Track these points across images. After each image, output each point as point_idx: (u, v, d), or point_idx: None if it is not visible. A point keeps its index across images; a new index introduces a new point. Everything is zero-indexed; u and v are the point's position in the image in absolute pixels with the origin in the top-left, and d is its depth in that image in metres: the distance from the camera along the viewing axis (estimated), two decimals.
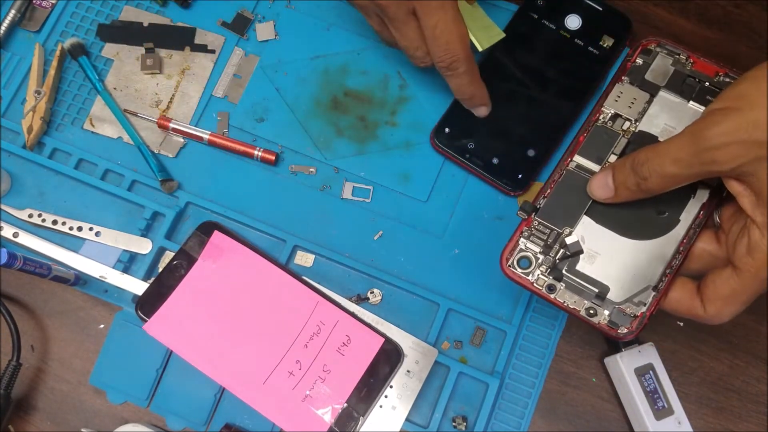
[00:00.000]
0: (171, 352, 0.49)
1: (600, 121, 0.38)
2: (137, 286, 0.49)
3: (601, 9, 0.54)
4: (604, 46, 0.53)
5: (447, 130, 0.52)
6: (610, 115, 0.38)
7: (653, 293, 0.36)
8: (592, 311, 0.36)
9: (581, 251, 0.37)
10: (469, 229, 0.52)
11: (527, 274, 0.37)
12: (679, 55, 0.39)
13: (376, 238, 0.52)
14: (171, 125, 0.53)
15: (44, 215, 0.51)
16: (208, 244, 0.49)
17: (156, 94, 0.55)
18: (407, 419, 0.48)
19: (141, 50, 0.55)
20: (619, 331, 0.36)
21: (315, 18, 0.56)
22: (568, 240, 0.36)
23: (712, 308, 0.36)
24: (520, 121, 0.52)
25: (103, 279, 0.49)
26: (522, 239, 0.37)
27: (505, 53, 0.53)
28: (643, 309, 0.36)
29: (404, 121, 0.54)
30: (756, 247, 0.34)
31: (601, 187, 0.38)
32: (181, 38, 0.55)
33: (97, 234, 0.51)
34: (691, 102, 0.38)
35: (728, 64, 0.39)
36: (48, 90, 0.53)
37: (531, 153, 0.52)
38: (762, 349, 0.50)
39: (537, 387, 0.49)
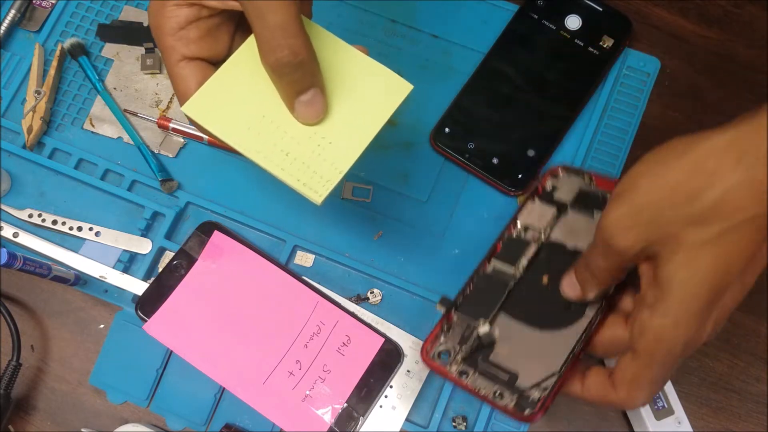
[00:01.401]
0: (171, 352, 0.49)
1: (514, 234, 0.42)
2: (137, 286, 0.49)
3: (601, 9, 0.54)
4: (604, 46, 0.53)
5: (447, 130, 0.52)
6: (523, 227, 0.42)
7: (556, 378, 0.39)
8: (499, 395, 0.39)
9: (494, 341, 0.40)
10: (469, 229, 0.52)
11: (446, 365, 0.40)
12: (582, 176, 0.43)
13: (376, 238, 0.52)
14: (171, 125, 0.53)
15: (44, 215, 0.51)
16: (208, 244, 0.49)
17: (156, 94, 0.55)
18: (407, 419, 0.48)
19: (141, 50, 0.55)
20: (524, 413, 0.38)
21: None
22: (482, 331, 0.40)
23: (622, 392, 0.35)
24: (520, 121, 0.52)
25: (103, 279, 0.49)
26: (442, 333, 0.41)
27: (505, 54, 0.53)
28: (546, 393, 0.38)
29: (404, 121, 0.54)
30: (645, 328, 0.33)
31: (571, 286, 0.39)
32: None
33: (97, 234, 0.51)
34: (595, 214, 0.42)
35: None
36: (48, 90, 0.53)
37: (531, 153, 0.52)
38: (762, 349, 0.50)
39: None
